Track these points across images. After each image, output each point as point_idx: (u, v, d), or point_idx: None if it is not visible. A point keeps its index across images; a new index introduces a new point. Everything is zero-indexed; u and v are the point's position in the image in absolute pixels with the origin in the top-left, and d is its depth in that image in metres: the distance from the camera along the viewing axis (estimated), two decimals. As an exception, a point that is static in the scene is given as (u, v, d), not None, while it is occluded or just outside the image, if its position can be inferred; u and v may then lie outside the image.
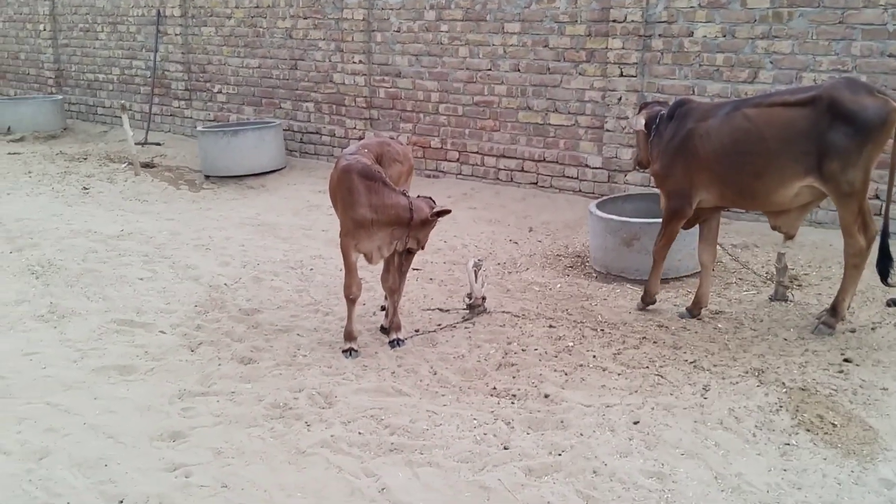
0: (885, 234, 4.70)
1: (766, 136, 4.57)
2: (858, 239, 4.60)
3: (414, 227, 4.49)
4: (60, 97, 12.97)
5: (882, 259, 4.68)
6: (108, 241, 6.84)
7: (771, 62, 6.81)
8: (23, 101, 12.84)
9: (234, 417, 4.00)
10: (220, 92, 11.25)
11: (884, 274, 4.69)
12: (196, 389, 4.31)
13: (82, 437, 3.84)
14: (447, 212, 4.60)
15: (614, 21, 7.49)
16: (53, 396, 4.22)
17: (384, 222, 4.48)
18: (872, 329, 4.84)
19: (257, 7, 10.55)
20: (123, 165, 9.97)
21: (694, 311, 5.13)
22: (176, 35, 11.53)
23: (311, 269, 6.27)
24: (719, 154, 4.74)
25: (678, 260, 5.79)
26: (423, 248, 4.74)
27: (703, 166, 4.80)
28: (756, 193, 4.71)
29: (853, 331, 4.82)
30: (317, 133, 10.21)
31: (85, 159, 10.46)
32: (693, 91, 7.17)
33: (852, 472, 3.44)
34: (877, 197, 6.37)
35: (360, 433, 3.82)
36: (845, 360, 4.41)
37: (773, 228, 4.98)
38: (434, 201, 4.65)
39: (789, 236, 4.98)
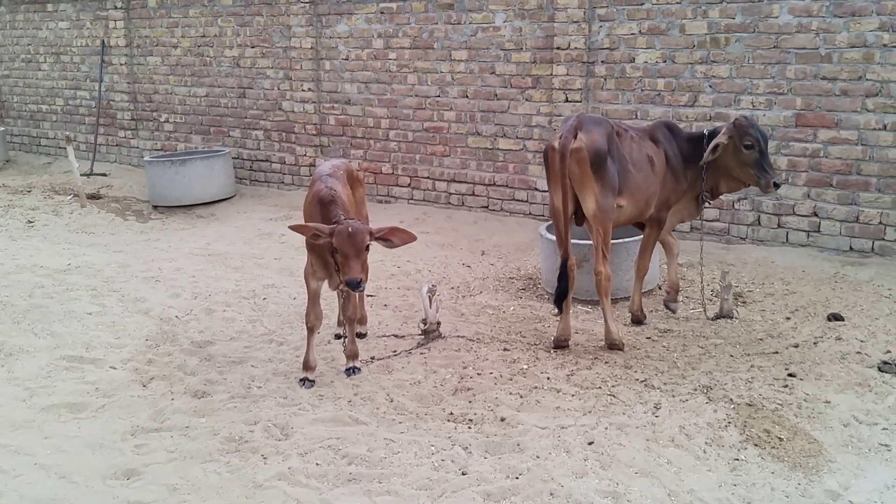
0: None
1: None
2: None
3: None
4: (2, 129, 12.71)
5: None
6: (54, 275, 6.72)
7: (710, 86, 7.03)
8: (-38, 133, 12.58)
9: (189, 453, 3.95)
10: (167, 121, 11.16)
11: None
12: (149, 425, 4.25)
13: (33, 477, 3.76)
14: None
15: (558, 48, 7.67)
16: (2, 437, 4.12)
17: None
18: (815, 344, 5.00)
19: (204, 36, 10.52)
20: (69, 197, 9.80)
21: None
22: (121, 65, 11.42)
23: (264, 299, 6.23)
24: None
25: (626, 280, 5.91)
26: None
27: None
28: None
29: (796, 346, 4.97)
30: (266, 161, 10.18)
31: (29, 192, 10.25)
32: (636, 115, 7.36)
33: (799, 484, 3.55)
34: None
35: (317, 464, 3.81)
36: (789, 375, 4.55)
37: None
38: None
39: None
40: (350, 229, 4.23)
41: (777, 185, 5.04)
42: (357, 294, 5.00)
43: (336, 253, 4.27)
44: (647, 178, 5.06)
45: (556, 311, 5.15)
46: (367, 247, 4.30)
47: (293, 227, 4.37)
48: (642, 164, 5.05)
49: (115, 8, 11.27)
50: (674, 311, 5.50)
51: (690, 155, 5.24)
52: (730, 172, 5.18)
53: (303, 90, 9.59)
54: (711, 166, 5.15)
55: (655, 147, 5.19)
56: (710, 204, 5.51)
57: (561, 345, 5.05)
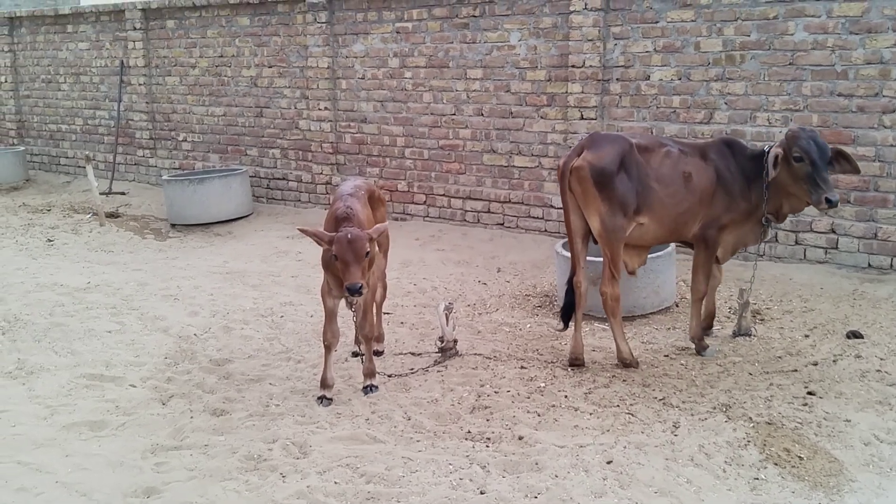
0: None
1: None
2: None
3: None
4: (22, 148, 12.88)
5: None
6: (74, 293, 6.78)
7: (725, 103, 7.03)
8: (-16, 152, 12.73)
9: (208, 471, 3.97)
10: (185, 140, 11.27)
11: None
12: (169, 443, 4.27)
13: (55, 495, 3.79)
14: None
15: (573, 66, 7.70)
16: (24, 455, 4.16)
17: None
18: (834, 362, 4.97)
19: (221, 56, 10.63)
20: (88, 216, 9.90)
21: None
22: (140, 85, 11.56)
23: (282, 317, 6.26)
24: None
25: (643, 297, 5.90)
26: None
27: None
28: None
29: (815, 364, 4.94)
30: (283, 179, 10.25)
31: (49, 211, 10.37)
32: (651, 132, 7.36)
33: (820, 504, 3.53)
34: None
35: (336, 483, 3.82)
36: (809, 394, 4.52)
37: None
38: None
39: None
40: (349, 236, 4.24)
41: (830, 202, 4.49)
42: (374, 312, 5.03)
43: (336, 261, 4.29)
44: (674, 195, 4.83)
45: (562, 325, 5.15)
46: (367, 253, 4.29)
47: (301, 229, 4.43)
48: (672, 180, 4.82)
49: (134, 29, 11.43)
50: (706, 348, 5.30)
51: (753, 173, 4.84)
52: (786, 189, 4.76)
53: (319, 109, 9.66)
54: (772, 184, 4.75)
55: (703, 163, 4.88)
56: (773, 227, 5.02)
57: (575, 362, 5.04)
